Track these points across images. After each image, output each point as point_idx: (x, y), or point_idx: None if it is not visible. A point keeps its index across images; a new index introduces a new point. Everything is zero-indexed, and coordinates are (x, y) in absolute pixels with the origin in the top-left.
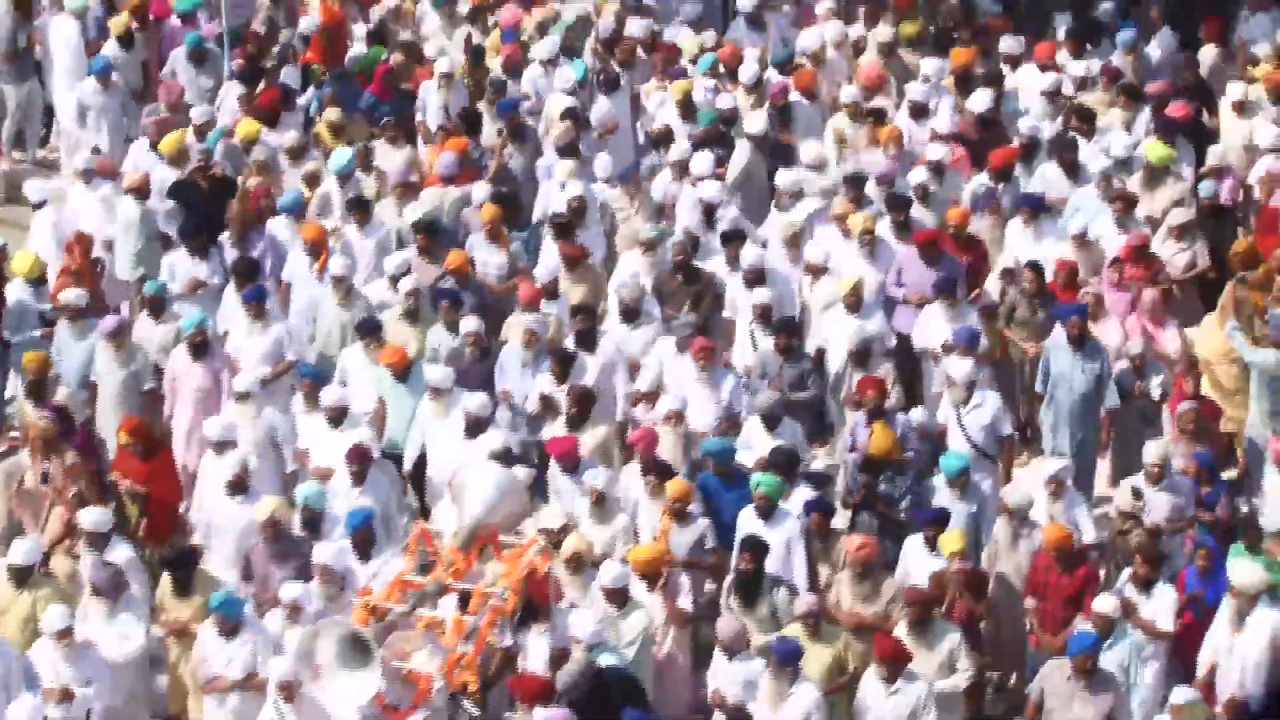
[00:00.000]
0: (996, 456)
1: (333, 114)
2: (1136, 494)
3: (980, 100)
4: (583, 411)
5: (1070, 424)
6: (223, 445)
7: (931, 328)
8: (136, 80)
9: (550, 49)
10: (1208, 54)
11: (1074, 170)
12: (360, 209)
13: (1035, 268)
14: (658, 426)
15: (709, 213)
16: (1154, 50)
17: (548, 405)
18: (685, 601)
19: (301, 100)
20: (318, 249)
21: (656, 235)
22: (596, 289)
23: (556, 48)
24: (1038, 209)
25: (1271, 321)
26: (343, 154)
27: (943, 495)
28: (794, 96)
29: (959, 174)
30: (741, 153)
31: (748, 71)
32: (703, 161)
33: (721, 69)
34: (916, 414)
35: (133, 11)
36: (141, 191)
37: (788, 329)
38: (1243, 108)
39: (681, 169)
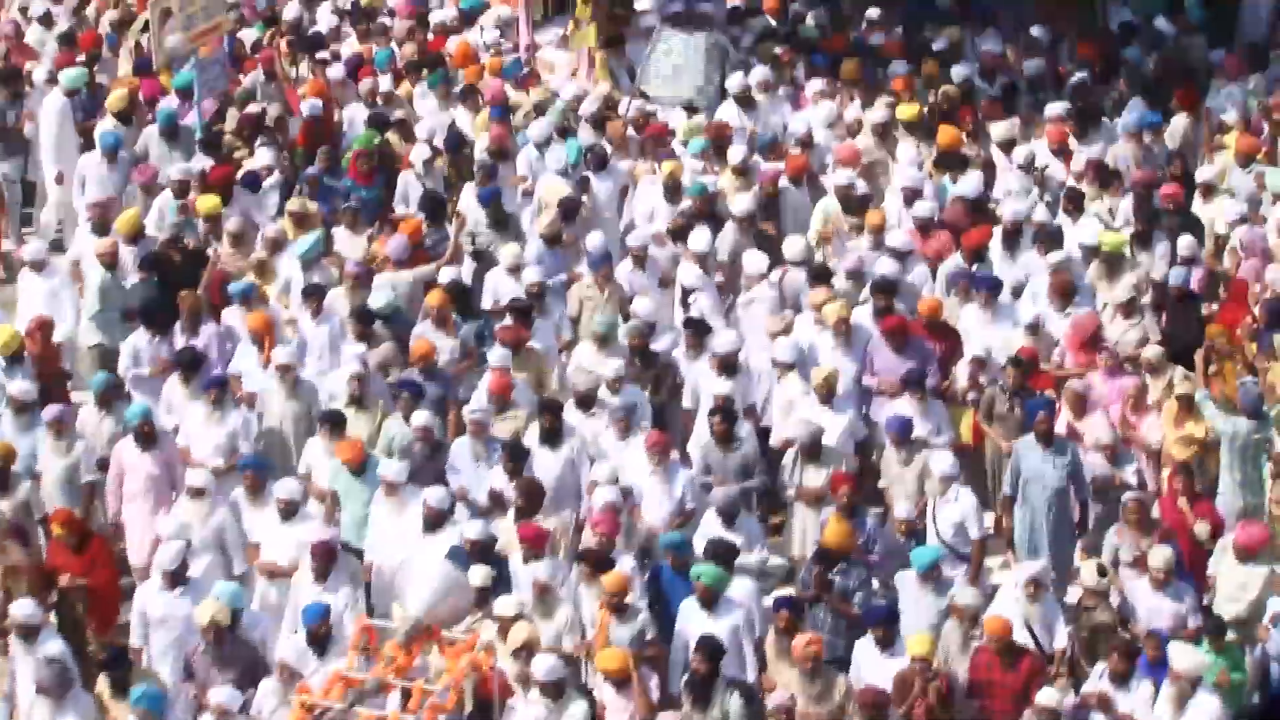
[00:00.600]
0: (967, 556)
1: (295, 204)
2: (1102, 571)
3: (969, 185)
4: (531, 504)
5: (1044, 523)
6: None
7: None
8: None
9: (545, 130)
10: (1180, 123)
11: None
12: (313, 297)
13: (1017, 363)
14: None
15: (685, 297)
16: (1127, 118)
17: (497, 501)
18: (654, 694)
19: (268, 182)
20: (263, 338)
21: (605, 329)
22: (540, 376)
23: (551, 130)
24: (994, 292)
25: (1242, 390)
26: (305, 240)
27: (912, 589)
28: (783, 182)
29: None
30: (728, 234)
31: (736, 153)
32: (700, 238)
33: (710, 150)
34: (899, 509)
35: (131, 91)
36: (110, 260)
37: (725, 416)
38: (1209, 191)
39: (639, 258)
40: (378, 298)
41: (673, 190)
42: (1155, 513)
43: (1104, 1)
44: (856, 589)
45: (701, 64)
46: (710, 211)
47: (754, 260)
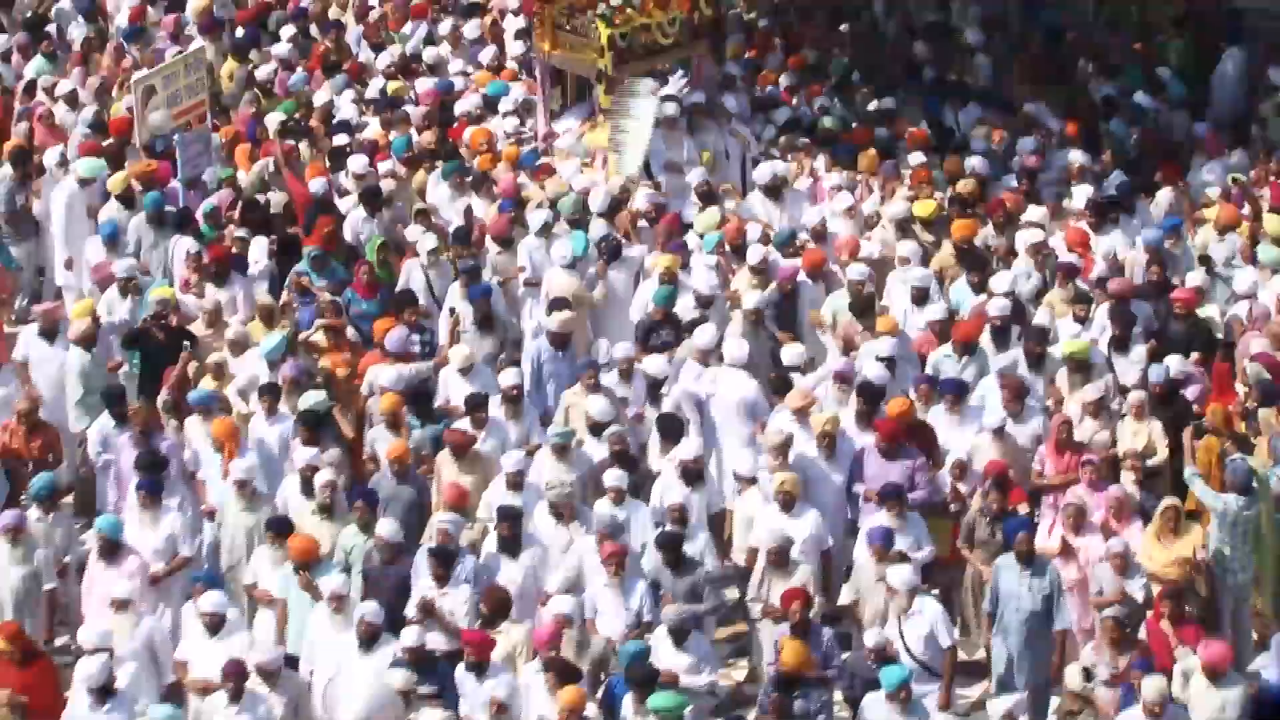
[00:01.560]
0: (937, 669)
1: (264, 299)
2: (1088, 675)
3: (1001, 283)
4: (496, 613)
5: (1020, 648)
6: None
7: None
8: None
9: (541, 220)
10: (1164, 196)
11: (1039, 363)
12: (267, 396)
13: (1000, 486)
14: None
15: (654, 389)
16: (1149, 234)
17: (427, 610)
18: None
19: (256, 269)
20: (225, 446)
21: (562, 439)
22: (485, 479)
23: (551, 220)
24: (960, 395)
25: (1230, 467)
26: (271, 339)
27: (881, 710)
28: (801, 276)
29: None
30: (735, 328)
31: (755, 252)
32: (705, 334)
33: (727, 247)
34: (870, 635)
35: (136, 176)
36: (88, 341)
37: (672, 543)
38: (1199, 295)
39: (627, 369)
40: (308, 398)
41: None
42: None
43: (1086, 76)
44: (818, 712)
45: (647, 134)
46: (669, 317)
47: (733, 348)
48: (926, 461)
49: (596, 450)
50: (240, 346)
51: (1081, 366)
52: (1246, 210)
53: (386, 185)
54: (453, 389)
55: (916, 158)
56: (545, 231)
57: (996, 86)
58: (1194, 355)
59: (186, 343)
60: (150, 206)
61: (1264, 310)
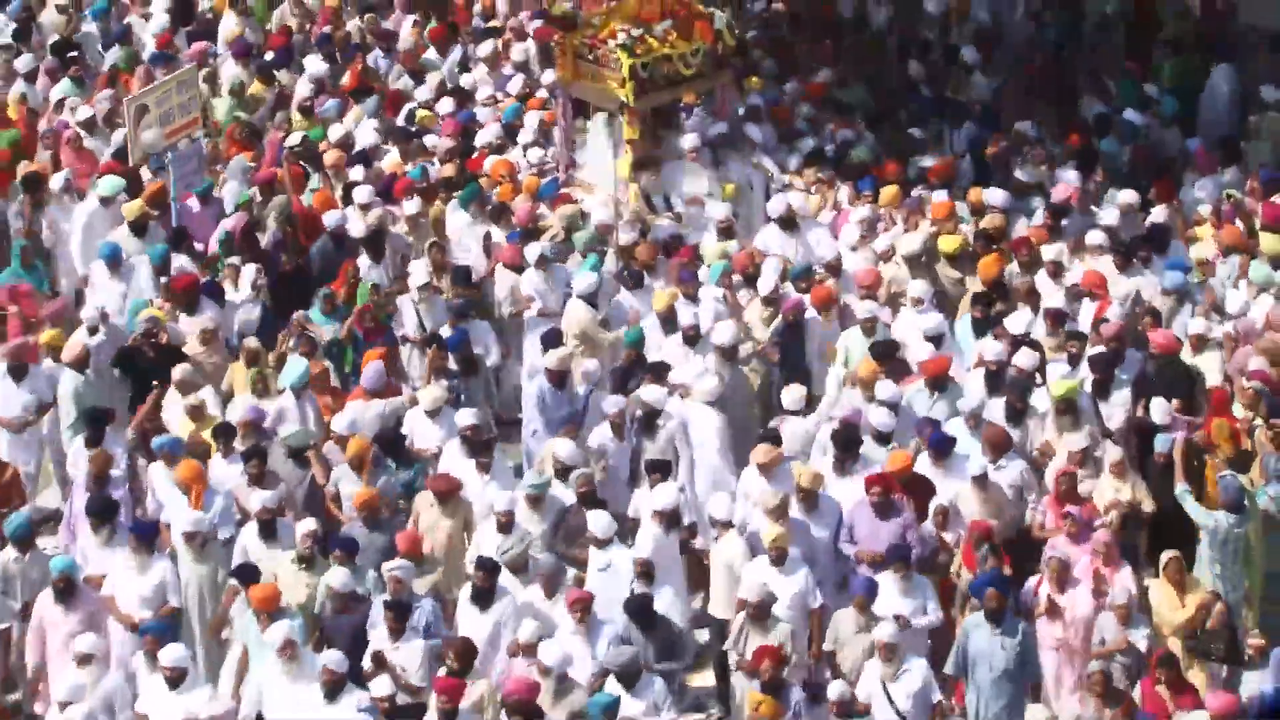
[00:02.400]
0: None
1: (251, 342)
2: None
3: (1019, 322)
4: (463, 664)
5: (994, 707)
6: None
7: (882, 600)
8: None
9: (542, 249)
10: (1159, 214)
11: (1017, 415)
12: (223, 436)
13: (995, 551)
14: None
15: (615, 429)
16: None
17: (379, 663)
18: None
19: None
20: (191, 489)
21: (537, 490)
22: (467, 526)
23: (551, 253)
24: (945, 450)
25: (1222, 485)
26: (297, 366)
27: None
28: (810, 312)
29: None
30: (712, 364)
31: (766, 283)
32: (709, 386)
33: (737, 278)
34: (834, 689)
35: (149, 199)
36: (80, 364)
37: (640, 609)
38: (1200, 342)
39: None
40: (288, 430)
41: (667, 321)
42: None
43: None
44: None
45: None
46: (641, 359)
47: (705, 385)
48: (914, 515)
49: (565, 494)
50: (189, 386)
51: (1070, 408)
52: (1241, 227)
53: (404, 214)
54: (418, 431)
55: (940, 193)
56: (543, 264)
57: (996, 105)
58: (1175, 402)
59: (155, 382)
60: (105, 255)
61: (1250, 325)
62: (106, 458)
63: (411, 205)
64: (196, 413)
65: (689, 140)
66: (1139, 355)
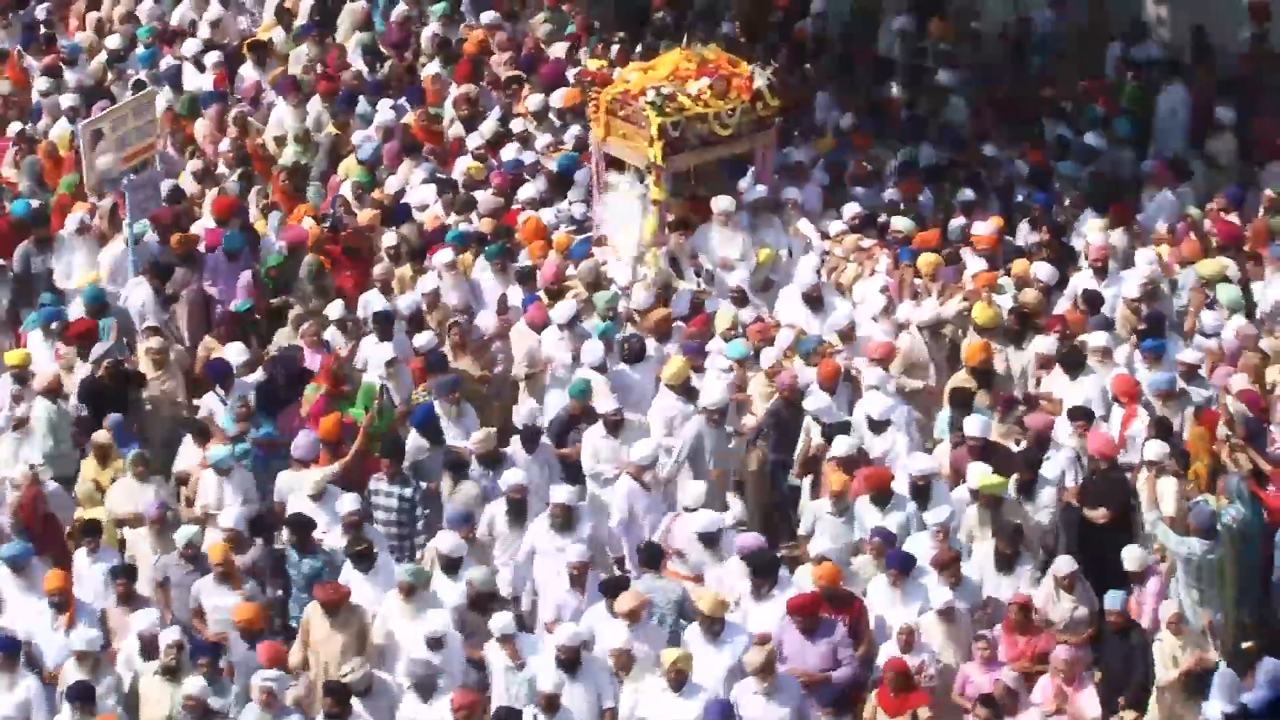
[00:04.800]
0: None
1: (100, 437)
2: None
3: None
4: None
5: None
6: None
7: None
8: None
9: (567, 313)
10: (1118, 237)
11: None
12: (88, 534)
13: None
14: None
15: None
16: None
17: None
18: None
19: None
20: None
21: (413, 579)
22: (361, 636)
23: (574, 312)
24: (906, 569)
25: (1195, 511)
26: (219, 450)
27: None
28: (814, 388)
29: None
30: (692, 426)
31: (769, 355)
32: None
33: (751, 349)
34: None
35: (178, 245)
36: (53, 393)
37: None
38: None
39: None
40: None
41: (679, 390)
42: None
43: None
44: None
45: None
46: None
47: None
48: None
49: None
50: (90, 500)
51: (993, 503)
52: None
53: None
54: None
55: (979, 263)
56: (571, 324)
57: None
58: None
59: (34, 467)
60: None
61: (1234, 346)
62: None
63: (443, 255)
64: (90, 499)
65: (721, 203)
66: (1071, 452)
